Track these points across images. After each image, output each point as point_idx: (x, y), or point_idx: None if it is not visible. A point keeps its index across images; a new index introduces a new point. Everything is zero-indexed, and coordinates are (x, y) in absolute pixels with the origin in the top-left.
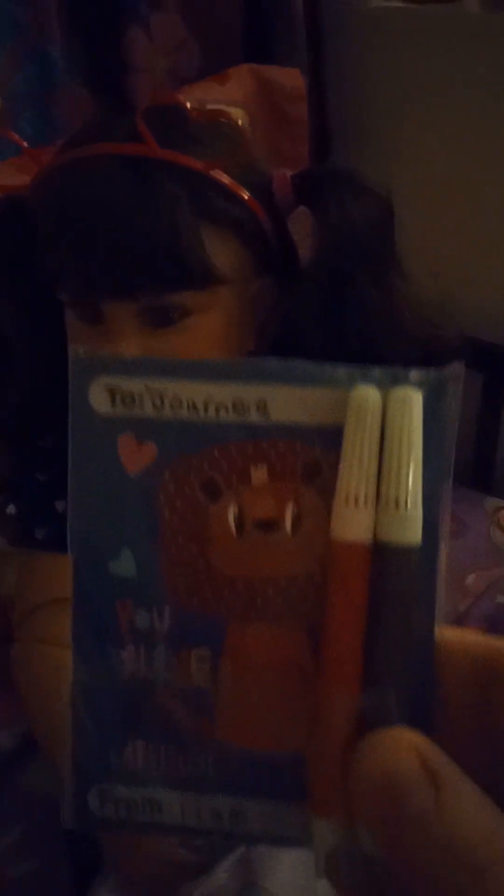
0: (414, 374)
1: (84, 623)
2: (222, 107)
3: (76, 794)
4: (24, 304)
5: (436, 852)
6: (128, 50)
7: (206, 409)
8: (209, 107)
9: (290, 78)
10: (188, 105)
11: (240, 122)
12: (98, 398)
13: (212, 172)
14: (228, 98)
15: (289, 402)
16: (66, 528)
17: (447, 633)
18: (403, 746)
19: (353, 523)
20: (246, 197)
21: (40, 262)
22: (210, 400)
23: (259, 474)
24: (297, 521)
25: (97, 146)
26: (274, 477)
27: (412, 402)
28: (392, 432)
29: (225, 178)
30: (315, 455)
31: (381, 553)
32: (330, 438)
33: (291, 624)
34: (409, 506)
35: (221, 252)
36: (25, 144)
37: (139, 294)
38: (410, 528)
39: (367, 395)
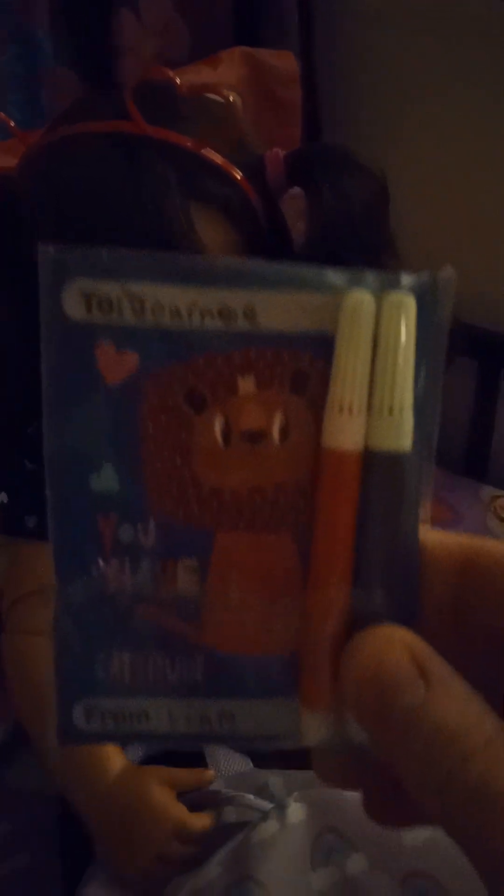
0: (406, 278)
1: (65, 539)
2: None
3: (62, 710)
4: (10, 286)
5: (423, 742)
6: (117, 32)
7: (190, 316)
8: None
9: (284, 60)
10: (177, 81)
11: (231, 99)
12: (72, 303)
13: (202, 151)
14: (220, 81)
15: (278, 308)
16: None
17: (430, 535)
18: (393, 641)
19: (344, 431)
20: (238, 177)
21: (27, 244)
22: (195, 306)
23: (246, 384)
24: (284, 430)
25: (84, 125)
26: (261, 387)
27: (406, 306)
28: (386, 338)
29: (216, 158)
30: (304, 363)
31: (371, 460)
32: (320, 346)
33: (280, 531)
34: (401, 412)
35: (212, 233)
36: (12, 123)
37: None
38: (402, 435)
39: (361, 299)
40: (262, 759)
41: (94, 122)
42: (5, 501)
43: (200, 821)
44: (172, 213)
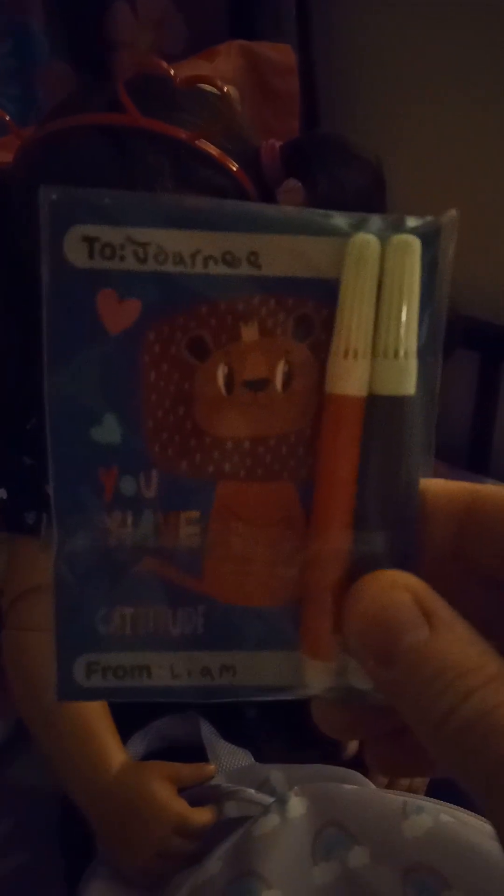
0: (411, 220)
1: (65, 492)
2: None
3: (62, 666)
4: (6, 281)
5: (427, 681)
6: (112, 25)
7: (193, 262)
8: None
9: (281, 53)
10: (171, 72)
11: (226, 90)
12: (74, 249)
13: (197, 142)
14: (218, 74)
15: (282, 253)
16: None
17: (432, 481)
18: (396, 584)
19: (348, 376)
20: (234, 168)
21: (22, 238)
22: (198, 252)
23: (249, 332)
24: (287, 378)
25: (78, 117)
26: (264, 334)
27: (411, 249)
28: (391, 281)
29: (212, 149)
30: (307, 310)
31: (375, 404)
32: (323, 292)
33: (282, 480)
34: (406, 356)
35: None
36: (8, 118)
37: None
38: (407, 379)
39: (367, 242)
40: (264, 754)
41: (88, 114)
42: (4, 497)
43: (201, 816)
44: None
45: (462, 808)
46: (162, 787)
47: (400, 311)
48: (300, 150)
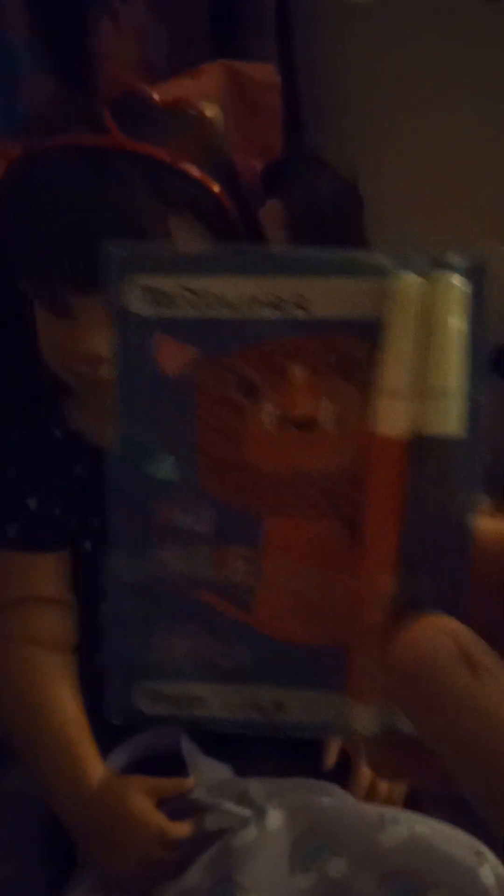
0: (455, 258)
1: (121, 524)
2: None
3: (119, 691)
4: None
5: (472, 732)
6: (95, 38)
7: (244, 307)
8: None
9: (264, 73)
10: (155, 96)
11: (208, 113)
12: (133, 297)
13: (180, 164)
14: (202, 93)
15: (328, 295)
16: (37, 524)
17: (483, 522)
18: (440, 631)
19: (394, 416)
20: (216, 189)
21: (6, 256)
22: (249, 297)
23: (297, 372)
24: (334, 417)
25: (62, 137)
26: (312, 373)
27: (454, 287)
28: (436, 320)
29: (194, 171)
30: (353, 349)
31: (422, 445)
32: (369, 331)
33: (329, 518)
34: (452, 395)
35: (190, 243)
36: None
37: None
38: (454, 419)
39: (410, 282)
40: (243, 768)
41: (71, 134)
42: None
43: (181, 829)
44: (149, 224)
45: (436, 819)
46: (142, 801)
47: (445, 350)
48: (280, 171)
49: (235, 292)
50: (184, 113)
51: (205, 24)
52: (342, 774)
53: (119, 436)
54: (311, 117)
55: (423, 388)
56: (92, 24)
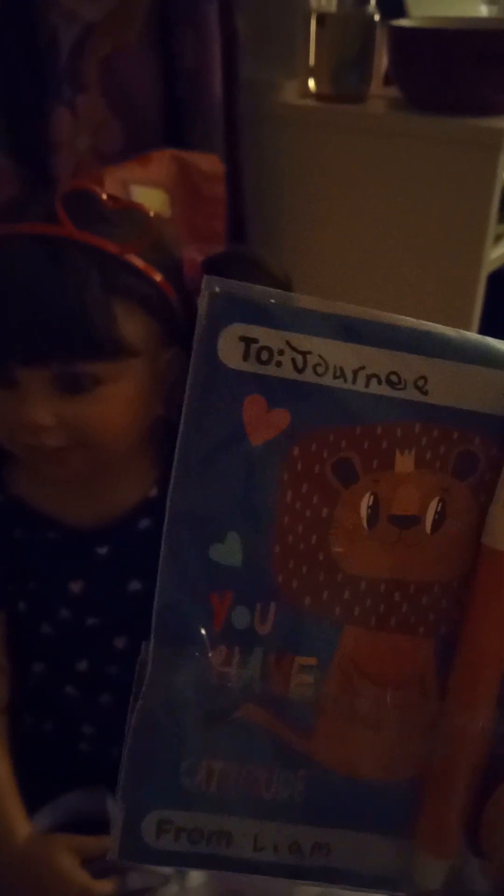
0: None
1: (169, 616)
2: (144, 188)
3: (128, 820)
4: None
5: None
6: (53, 127)
7: (355, 378)
8: (132, 187)
9: (210, 163)
10: (104, 196)
11: (151, 214)
12: (229, 347)
13: (126, 256)
14: (150, 179)
15: (453, 381)
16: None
17: None
18: None
19: None
20: (158, 279)
21: None
22: (362, 368)
23: (405, 461)
24: (440, 519)
25: (16, 226)
26: (421, 466)
27: None
28: None
29: (138, 262)
30: (473, 446)
31: None
32: (494, 428)
33: (418, 634)
34: None
35: (133, 326)
36: None
37: (51, 362)
38: None
39: None
40: None
41: (26, 224)
42: None
43: (104, 887)
44: (95, 308)
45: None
46: (67, 859)
47: None
48: (217, 265)
49: (349, 360)
50: (131, 208)
51: (157, 120)
52: None
53: (180, 507)
54: (253, 212)
55: None
56: (50, 113)
